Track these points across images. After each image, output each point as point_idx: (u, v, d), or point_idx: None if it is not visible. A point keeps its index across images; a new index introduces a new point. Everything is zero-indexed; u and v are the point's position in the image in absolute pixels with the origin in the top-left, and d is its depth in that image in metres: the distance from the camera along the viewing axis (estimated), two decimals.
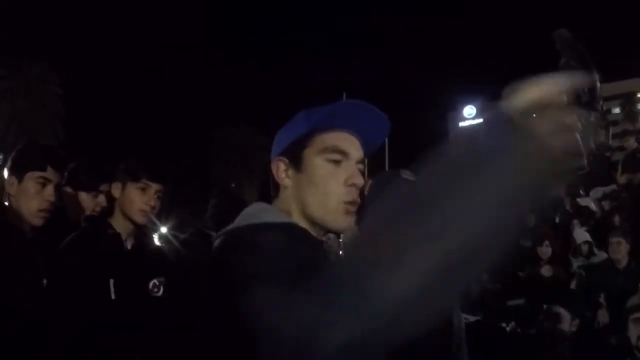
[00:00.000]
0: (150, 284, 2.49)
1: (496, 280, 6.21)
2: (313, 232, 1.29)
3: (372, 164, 2.68)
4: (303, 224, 1.28)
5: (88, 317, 2.28)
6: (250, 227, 1.21)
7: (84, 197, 2.91)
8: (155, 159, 2.56)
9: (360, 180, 1.27)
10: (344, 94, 17.69)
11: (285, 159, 1.32)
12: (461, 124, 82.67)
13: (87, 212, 2.85)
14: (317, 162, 1.28)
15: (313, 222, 1.29)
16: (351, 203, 1.27)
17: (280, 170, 1.33)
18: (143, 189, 2.46)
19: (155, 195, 2.49)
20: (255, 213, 1.28)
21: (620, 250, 5.45)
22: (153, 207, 2.48)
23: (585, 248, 6.72)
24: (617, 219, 7.92)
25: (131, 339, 2.36)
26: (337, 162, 1.28)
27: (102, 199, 2.88)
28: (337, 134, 1.30)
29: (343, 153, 1.29)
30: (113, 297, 2.36)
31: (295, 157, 1.31)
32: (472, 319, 5.02)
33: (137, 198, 2.45)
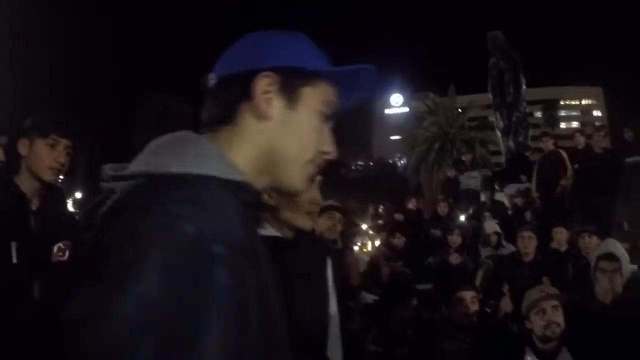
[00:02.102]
0: (55, 248, 2.38)
1: (406, 264, 6.39)
2: (257, 184, 1.03)
3: None
4: (253, 172, 1.02)
5: None
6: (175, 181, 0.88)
7: None
8: (64, 115, 2.44)
9: (334, 153, 1.09)
10: None
11: (275, 80, 1.02)
12: (387, 110, 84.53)
13: None
14: (316, 107, 1.05)
15: (271, 171, 1.04)
16: (316, 169, 1.08)
17: (263, 90, 1.01)
18: (52, 145, 2.35)
19: (65, 152, 2.38)
20: (187, 151, 0.93)
21: (529, 244, 5.73)
22: (62, 165, 2.37)
23: (494, 239, 6.99)
24: (528, 215, 8.31)
25: (32, 305, 2.25)
26: (325, 119, 1.08)
27: None
28: (333, 91, 1.09)
29: (332, 113, 1.10)
30: (15, 261, 2.23)
31: (291, 89, 1.03)
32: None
33: (46, 155, 2.33)
